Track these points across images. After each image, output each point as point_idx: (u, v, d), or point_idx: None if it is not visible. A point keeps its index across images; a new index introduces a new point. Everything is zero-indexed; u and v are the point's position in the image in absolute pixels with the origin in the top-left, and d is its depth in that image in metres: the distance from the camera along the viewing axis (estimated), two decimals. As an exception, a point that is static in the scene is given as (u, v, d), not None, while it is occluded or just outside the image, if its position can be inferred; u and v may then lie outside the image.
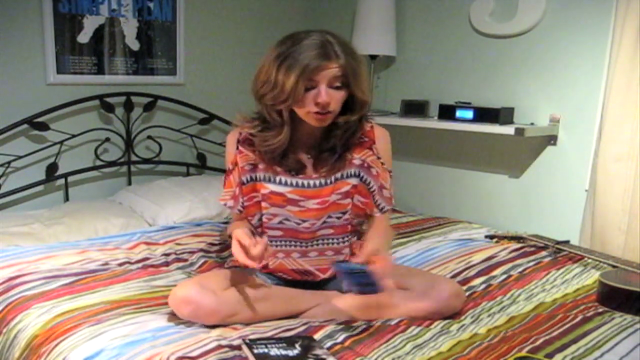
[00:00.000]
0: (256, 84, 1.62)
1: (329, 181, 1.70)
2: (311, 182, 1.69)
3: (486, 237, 2.36)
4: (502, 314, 1.65)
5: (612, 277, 1.78)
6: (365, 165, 1.72)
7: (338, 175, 1.70)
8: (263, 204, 1.69)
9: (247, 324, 1.54)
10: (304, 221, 1.69)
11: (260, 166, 1.70)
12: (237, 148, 1.73)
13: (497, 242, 2.30)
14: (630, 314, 1.64)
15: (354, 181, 1.71)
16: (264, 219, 1.70)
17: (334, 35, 1.58)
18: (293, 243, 1.71)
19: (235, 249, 1.52)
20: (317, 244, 1.72)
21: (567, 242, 2.25)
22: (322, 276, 1.74)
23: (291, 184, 1.69)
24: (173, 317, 1.55)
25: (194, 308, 1.49)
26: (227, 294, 1.55)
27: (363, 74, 1.61)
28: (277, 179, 1.69)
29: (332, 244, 1.73)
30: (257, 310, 1.56)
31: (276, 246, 1.71)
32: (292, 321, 1.57)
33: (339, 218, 1.72)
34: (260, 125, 1.67)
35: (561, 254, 2.18)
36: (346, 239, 1.74)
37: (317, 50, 1.53)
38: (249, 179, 1.71)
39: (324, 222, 1.70)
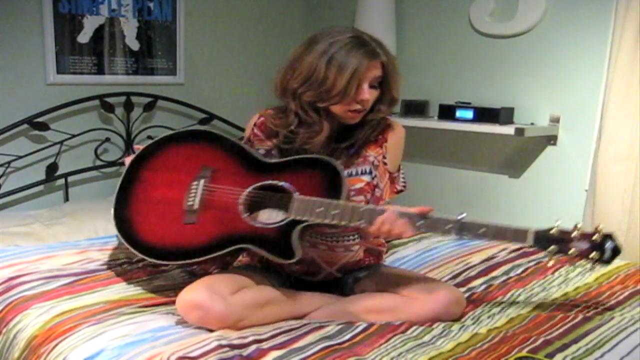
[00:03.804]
0: (290, 81, 1.60)
1: None
2: None
3: None
4: (502, 315, 1.65)
5: None
6: (376, 163, 1.73)
7: (353, 171, 1.69)
8: None
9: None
10: None
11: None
12: (252, 130, 1.75)
13: None
14: None
15: (367, 178, 1.70)
16: None
17: (366, 33, 1.59)
18: (319, 238, 1.70)
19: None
20: (329, 240, 1.70)
21: None
22: (331, 271, 1.73)
23: None
24: (173, 316, 1.55)
25: (203, 314, 1.46)
26: (236, 298, 1.52)
27: (398, 73, 1.63)
28: None
29: (343, 240, 1.72)
30: (264, 314, 1.55)
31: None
32: (292, 322, 1.57)
33: None
34: (292, 122, 1.64)
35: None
36: (356, 236, 1.74)
37: (363, 48, 1.54)
38: None
39: None
